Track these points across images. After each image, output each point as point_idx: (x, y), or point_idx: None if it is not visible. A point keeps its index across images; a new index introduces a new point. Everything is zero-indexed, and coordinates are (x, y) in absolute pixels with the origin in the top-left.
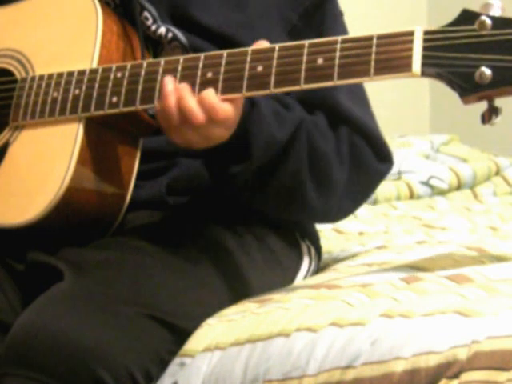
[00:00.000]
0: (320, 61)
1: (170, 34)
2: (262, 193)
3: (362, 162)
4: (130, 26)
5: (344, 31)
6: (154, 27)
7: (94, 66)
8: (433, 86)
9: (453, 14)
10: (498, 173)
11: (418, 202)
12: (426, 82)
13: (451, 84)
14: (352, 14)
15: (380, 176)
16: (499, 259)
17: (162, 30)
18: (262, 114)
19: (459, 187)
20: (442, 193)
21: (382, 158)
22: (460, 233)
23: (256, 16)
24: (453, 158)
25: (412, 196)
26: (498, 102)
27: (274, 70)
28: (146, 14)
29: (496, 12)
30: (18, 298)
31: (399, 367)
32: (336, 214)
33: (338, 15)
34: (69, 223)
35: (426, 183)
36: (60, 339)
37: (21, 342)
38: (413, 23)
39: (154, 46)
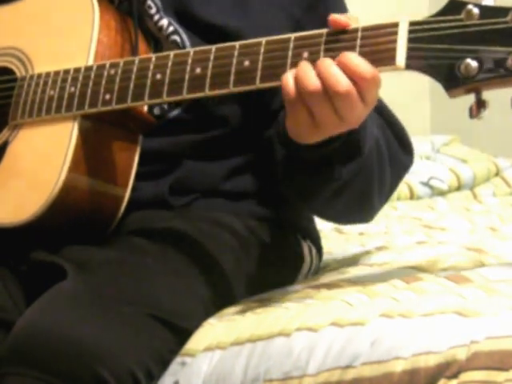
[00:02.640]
0: (305, 54)
1: (171, 28)
2: (340, 196)
3: (393, 155)
4: (131, 21)
5: None
6: (156, 17)
7: (90, 62)
8: (433, 87)
9: None
10: (497, 174)
11: (418, 203)
12: (427, 82)
13: (436, 77)
14: (353, 10)
15: (405, 169)
16: (498, 260)
17: (164, 21)
18: None
19: (459, 188)
20: (442, 193)
21: (407, 150)
22: (460, 233)
23: (259, 13)
24: (453, 158)
25: (412, 196)
26: (497, 98)
27: (260, 65)
28: (149, 2)
29: (489, 1)
30: (21, 296)
31: (399, 367)
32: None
33: (342, 6)
34: (67, 221)
35: (426, 184)
36: (62, 338)
37: (23, 340)
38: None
39: (155, 41)
